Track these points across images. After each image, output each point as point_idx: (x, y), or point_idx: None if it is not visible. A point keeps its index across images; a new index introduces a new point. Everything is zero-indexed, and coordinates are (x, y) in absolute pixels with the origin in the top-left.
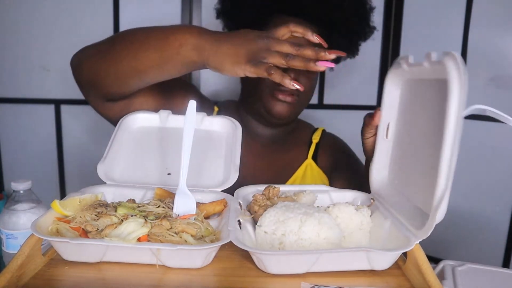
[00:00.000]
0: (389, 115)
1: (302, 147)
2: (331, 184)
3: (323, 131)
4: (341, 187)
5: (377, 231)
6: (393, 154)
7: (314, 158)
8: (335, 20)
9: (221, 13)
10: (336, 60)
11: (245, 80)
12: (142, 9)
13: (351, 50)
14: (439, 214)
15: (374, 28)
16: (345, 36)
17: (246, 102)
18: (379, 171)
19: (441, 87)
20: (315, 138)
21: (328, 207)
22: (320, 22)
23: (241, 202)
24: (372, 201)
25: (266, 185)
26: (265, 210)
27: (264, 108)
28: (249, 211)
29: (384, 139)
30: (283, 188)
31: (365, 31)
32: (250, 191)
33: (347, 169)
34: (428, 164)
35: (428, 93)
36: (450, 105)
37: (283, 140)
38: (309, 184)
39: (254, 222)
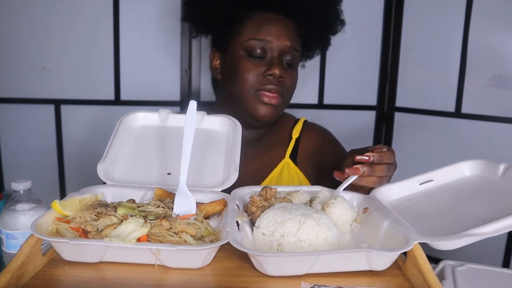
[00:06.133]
0: (439, 177)
1: (281, 145)
2: (320, 179)
3: (304, 123)
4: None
5: (376, 231)
6: (411, 196)
7: (294, 155)
8: (313, 15)
9: (189, 13)
10: (311, 55)
11: (222, 85)
12: (142, 8)
13: (324, 44)
14: (458, 243)
15: (344, 22)
16: (320, 31)
17: (223, 106)
18: (389, 192)
19: None
20: (295, 134)
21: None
22: (298, 17)
23: (238, 203)
24: (365, 209)
25: (262, 186)
26: (263, 211)
27: (248, 113)
28: (246, 212)
29: (417, 185)
30: (278, 188)
31: (337, 25)
32: (246, 191)
33: (335, 161)
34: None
35: (499, 192)
36: None
37: (261, 140)
38: (285, 185)
39: (252, 223)
